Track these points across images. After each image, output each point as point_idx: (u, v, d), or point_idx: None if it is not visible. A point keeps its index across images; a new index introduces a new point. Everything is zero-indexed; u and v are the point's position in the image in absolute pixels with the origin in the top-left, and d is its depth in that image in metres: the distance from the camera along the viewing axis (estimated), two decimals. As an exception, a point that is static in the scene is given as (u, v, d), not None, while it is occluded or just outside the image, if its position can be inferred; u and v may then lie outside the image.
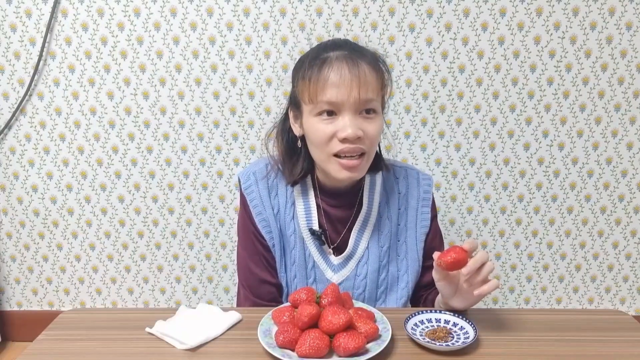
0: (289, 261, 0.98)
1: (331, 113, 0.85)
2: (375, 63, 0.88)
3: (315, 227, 0.96)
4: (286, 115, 0.97)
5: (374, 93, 0.85)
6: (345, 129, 0.83)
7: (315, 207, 0.97)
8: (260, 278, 0.98)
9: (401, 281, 0.99)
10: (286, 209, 0.97)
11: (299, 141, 0.94)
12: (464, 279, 0.79)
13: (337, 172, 0.88)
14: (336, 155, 0.86)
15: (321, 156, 0.89)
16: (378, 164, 0.97)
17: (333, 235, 0.98)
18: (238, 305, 1.04)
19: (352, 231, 0.97)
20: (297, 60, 0.94)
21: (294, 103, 0.92)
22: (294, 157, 0.96)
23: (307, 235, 0.97)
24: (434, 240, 1.02)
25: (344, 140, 0.84)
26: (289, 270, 0.98)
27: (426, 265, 1.01)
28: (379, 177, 1.00)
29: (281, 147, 0.97)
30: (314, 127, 0.86)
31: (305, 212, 0.97)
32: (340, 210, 0.97)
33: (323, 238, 0.96)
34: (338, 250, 0.98)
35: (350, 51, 0.86)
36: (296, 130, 0.93)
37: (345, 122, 0.83)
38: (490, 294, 1.68)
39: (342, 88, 0.82)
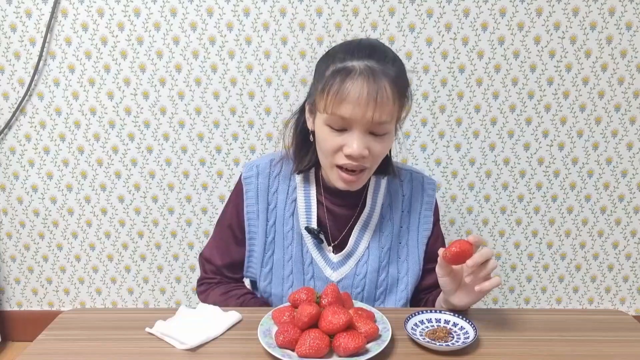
0: (285, 257, 0.98)
1: (342, 126, 0.84)
2: (399, 81, 0.84)
3: (314, 225, 0.97)
4: (303, 106, 0.96)
5: (389, 115, 0.83)
6: (351, 146, 0.83)
7: (316, 204, 0.98)
8: (209, 258, 1.04)
9: (401, 283, 0.99)
10: (285, 205, 0.98)
11: (311, 135, 0.94)
12: (468, 272, 0.79)
13: (336, 181, 0.89)
14: (338, 166, 0.87)
15: (325, 162, 0.90)
16: (387, 168, 0.97)
17: (335, 233, 0.98)
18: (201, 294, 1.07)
19: (354, 230, 0.98)
20: (323, 53, 0.91)
21: (311, 98, 0.90)
22: (304, 148, 0.96)
23: (305, 233, 0.97)
24: (435, 244, 1.02)
25: (348, 156, 0.84)
26: (285, 267, 0.98)
27: (427, 268, 1.01)
28: (383, 179, 1.00)
29: (294, 136, 0.98)
30: (323, 135, 0.86)
31: (306, 209, 0.97)
32: (343, 208, 0.98)
33: (321, 237, 0.97)
34: (338, 248, 0.99)
35: (375, 64, 0.82)
36: (309, 124, 0.93)
37: (353, 139, 0.83)
38: (491, 292, 1.68)
39: (358, 107, 0.80)
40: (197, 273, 1.67)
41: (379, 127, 0.83)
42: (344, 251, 0.98)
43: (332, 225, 0.98)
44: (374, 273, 0.98)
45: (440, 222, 1.60)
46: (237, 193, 1.01)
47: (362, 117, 0.81)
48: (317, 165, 0.97)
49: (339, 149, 0.85)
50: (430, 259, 1.01)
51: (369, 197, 0.98)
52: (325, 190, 0.98)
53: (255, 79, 1.50)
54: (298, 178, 0.98)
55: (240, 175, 1.01)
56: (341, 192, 0.96)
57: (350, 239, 0.98)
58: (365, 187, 0.98)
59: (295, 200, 0.98)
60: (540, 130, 1.53)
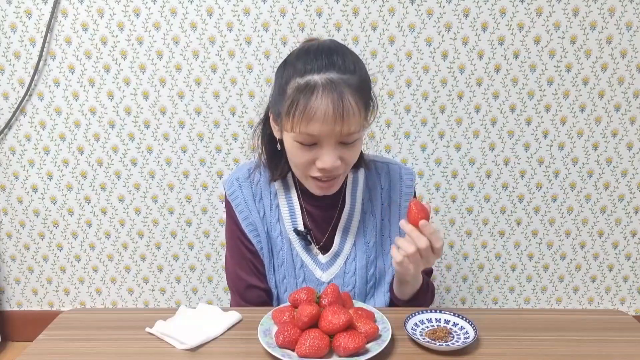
0: (277, 263, 0.99)
1: (312, 142, 0.84)
2: (361, 89, 0.83)
3: (300, 227, 0.97)
4: (266, 115, 0.95)
5: (357, 125, 0.83)
6: (323, 160, 0.83)
7: (299, 208, 0.98)
8: (249, 283, 0.99)
9: (387, 275, 1.00)
10: (271, 211, 0.98)
11: (279, 143, 0.94)
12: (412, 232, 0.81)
13: (313, 189, 0.90)
14: (313, 177, 0.87)
15: (298, 174, 0.91)
16: (359, 162, 0.97)
17: (318, 235, 0.99)
18: None
19: (337, 230, 0.98)
20: (284, 59, 0.89)
21: (275, 111, 0.89)
22: (275, 157, 0.97)
23: (293, 236, 0.98)
24: None
25: (321, 170, 0.85)
26: (278, 272, 0.99)
27: None
28: (361, 174, 1.00)
29: (263, 146, 0.98)
30: (294, 151, 0.86)
31: (290, 213, 0.98)
32: (323, 210, 0.98)
33: (309, 238, 0.97)
34: (325, 249, 0.99)
35: (336, 74, 0.81)
36: (276, 132, 0.92)
37: (324, 153, 0.83)
38: (490, 292, 1.69)
39: (326, 124, 0.80)
40: (197, 273, 1.67)
41: (348, 137, 0.83)
42: (331, 251, 0.98)
43: (314, 228, 0.98)
44: (363, 269, 0.98)
45: (441, 223, 1.62)
46: (229, 212, 1.00)
47: (331, 133, 0.81)
48: (290, 171, 0.97)
49: (312, 163, 0.85)
50: None
51: (348, 195, 0.99)
52: (304, 193, 0.98)
53: (255, 79, 1.50)
54: (277, 184, 0.99)
55: (225, 195, 1.00)
56: (320, 195, 0.97)
57: (335, 238, 0.98)
58: (343, 186, 0.99)
59: (278, 205, 0.98)
60: (540, 130, 1.53)
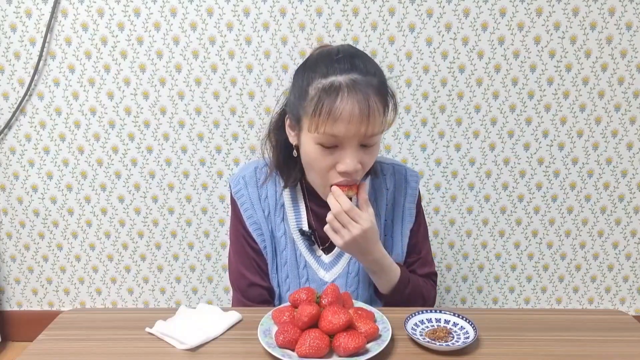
0: (280, 262, 0.99)
1: (334, 144, 0.84)
2: (383, 90, 0.85)
3: (305, 227, 0.97)
4: (280, 119, 0.95)
5: (380, 127, 0.84)
6: (345, 163, 0.83)
7: (304, 208, 0.98)
8: (251, 281, 0.99)
9: None
10: (276, 210, 0.98)
11: (294, 150, 0.93)
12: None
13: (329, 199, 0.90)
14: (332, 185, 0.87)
15: (317, 182, 0.90)
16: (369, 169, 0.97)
17: (323, 235, 0.98)
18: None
19: None
20: (302, 63, 0.90)
21: (294, 115, 0.89)
22: (290, 163, 0.96)
23: (297, 236, 0.98)
24: (417, 233, 1.03)
25: (342, 173, 0.85)
26: (281, 271, 0.99)
27: (408, 261, 1.02)
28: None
29: (276, 152, 0.96)
30: (314, 155, 0.86)
31: (295, 213, 0.98)
32: (328, 210, 0.97)
33: (313, 238, 0.97)
34: (328, 249, 0.99)
35: (359, 76, 0.82)
36: (292, 139, 0.92)
37: (346, 155, 0.84)
38: (490, 292, 1.69)
39: (351, 125, 0.81)
40: (197, 273, 1.67)
41: (370, 139, 0.84)
42: (334, 251, 0.98)
43: (319, 227, 0.98)
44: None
45: (441, 222, 1.62)
46: (234, 210, 1.00)
47: (355, 134, 0.82)
48: (301, 176, 0.97)
49: (332, 167, 0.85)
50: (411, 251, 1.02)
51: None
52: (309, 193, 0.98)
53: (255, 79, 1.50)
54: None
55: (230, 193, 1.01)
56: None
57: None
58: None
59: (283, 205, 0.98)
60: (540, 130, 1.53)
